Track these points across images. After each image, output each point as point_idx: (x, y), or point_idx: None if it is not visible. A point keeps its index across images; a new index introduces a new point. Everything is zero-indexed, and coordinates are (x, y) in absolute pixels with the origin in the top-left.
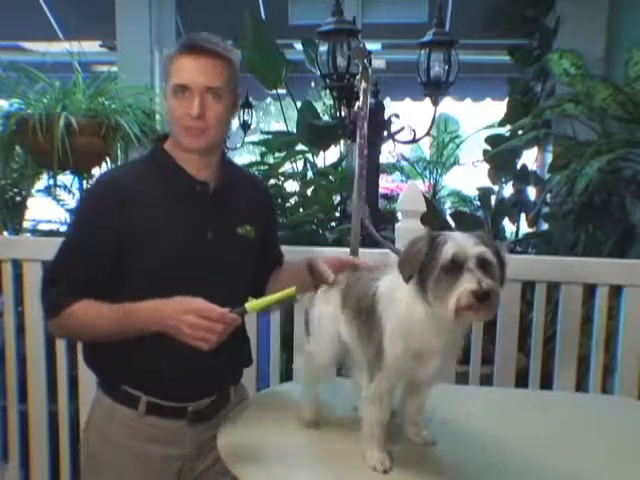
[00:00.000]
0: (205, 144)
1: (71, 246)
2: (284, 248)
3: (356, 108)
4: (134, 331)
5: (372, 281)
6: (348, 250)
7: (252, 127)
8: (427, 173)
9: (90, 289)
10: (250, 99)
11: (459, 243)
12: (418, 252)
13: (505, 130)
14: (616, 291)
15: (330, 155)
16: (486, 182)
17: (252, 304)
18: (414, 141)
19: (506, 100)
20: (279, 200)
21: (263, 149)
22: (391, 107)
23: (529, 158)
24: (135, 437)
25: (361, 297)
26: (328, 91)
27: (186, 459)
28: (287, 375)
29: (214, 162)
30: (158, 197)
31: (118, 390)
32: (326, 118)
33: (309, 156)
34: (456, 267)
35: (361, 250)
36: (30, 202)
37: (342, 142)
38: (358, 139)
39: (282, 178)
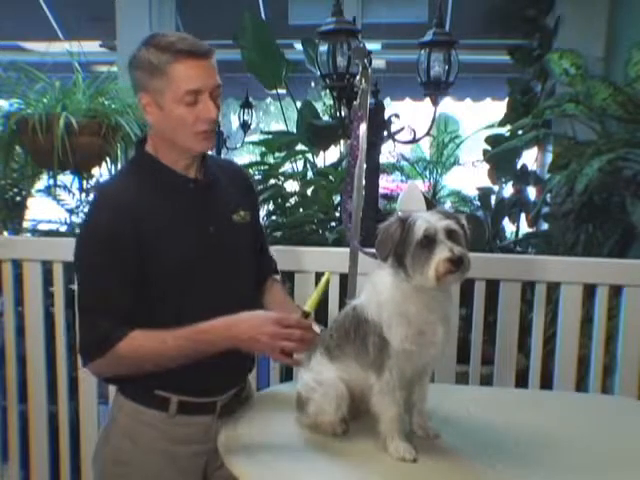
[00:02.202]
0: (212, 145)
1: (98, 273)
2: (284, 248)
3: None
4: (201, 352)
5: (346, 308)
6: (348, 250)
7: (252, 127)
8: (427, 173)
9: (131, 314)
10: (250, 99)
11: (428, 220)
12: (393, 233)
13: (505, 130)
14: (616, 291)
15: (330, 155)
16: (486, 182)
17: (309, 304)
18: (414, 141)
19: (506, 100)
20: (279, 200)
21: (263, 149)
22: (391, 107)
23: (529, 158)
24: (164, 439)
25: (343, 322)
26: (328, 91)
27: (211, 452)
28: (287, 375)
29: (199, 159)
30: (158, 203)
31: (146, 395)
32: (326, 118)
33: (309, 156)
34: (429, 241)
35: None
36: (30, 202)
37: (342, 142)
38: (351, 139)
39: (282, 178)
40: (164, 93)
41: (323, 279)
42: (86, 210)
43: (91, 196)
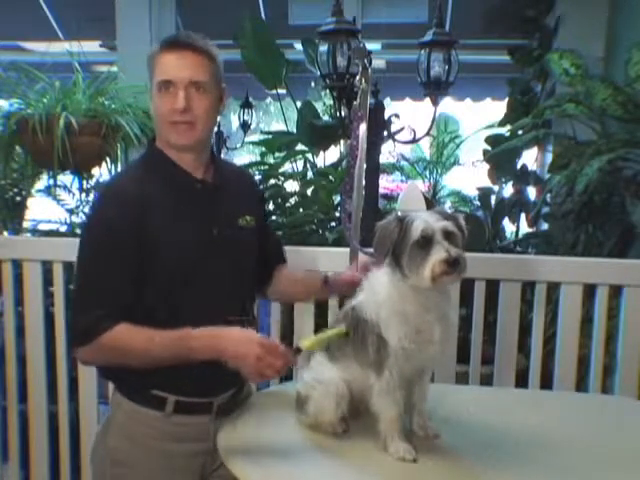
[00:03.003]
0: (193, 140)
1: (99, 265)
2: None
3: (354, 106)
4: (185, 357)
5: (345, 308)
6: (348, 250)
7: (252, 127)
8: (427, 173)
9: (126, 307)
10: (250, 99)
11: (425, 220)
12: (391, 233)
13: (505, 130)
14: (616, 291)
15: (330, 155)
16: (486, 182)
17: (307, 343)
18: (414, 141)
19: (506, 100)
20: (279, 200)
21: (263, 149)
22: (391, 107)
23: (529, 158)
24: (162, 438)
25: (343, 322)
26: (328, 91)
27: (208, 453)
28: (287, 375)
29: (206, 159)
30: (164, 200)
31: (142, 394)
32: (326, 118)
33: (309, 156)
34: (426, 241)
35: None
36: (30, 202)
37: (342, 142)
38: (351, 139)
39: (282, 178)
40: (152, 84)
41: (334, 331)
42: (92, 204)
43: (92, 195)
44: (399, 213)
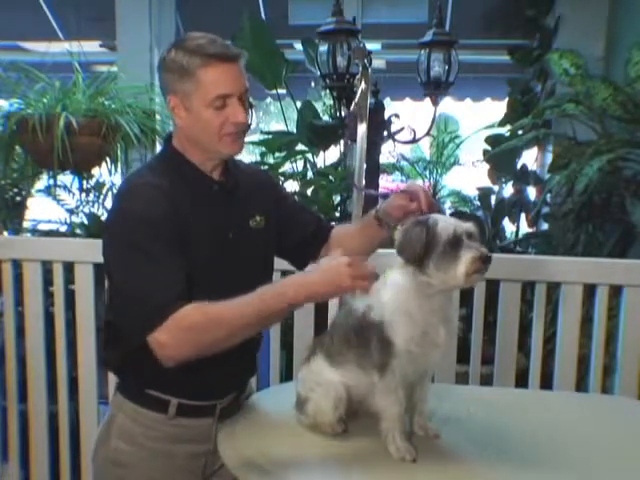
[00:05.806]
0: (242, 148)
1: (151, 252)
2: None
3: (352, 107)
4: (280, 307)
5: (347, 308)
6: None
7: (252, 127)
8: (427, 173)
9: (187, 290)
10: (250, 99)
11: (450, 222)
12: (419, 235)
13: (505, 130)
14: (616, 291)
15: (330, 155)
16: (486, 182)
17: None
18: (414, 141)
19: (506, 100)
20: None
21: (263, 149)
22: (391, 107)
23: (529, 158)
24: (162, 440)
25: (346, 322)
26: (328, 91)
27: (209, 453)
28: (287, 375)
29: (223, 161)
30: (185, 200)
31: (145, 395)
32: (326, 118)
33: (309, 156)
34: (456, 241)
35: None
36: (30, 202)
37: (342, 142)
38: (345, 139)
39: (282, 178)
40: (192, 96)
41: None
42: (119, 199)
43: (92, 196)
44: (417, 218)
